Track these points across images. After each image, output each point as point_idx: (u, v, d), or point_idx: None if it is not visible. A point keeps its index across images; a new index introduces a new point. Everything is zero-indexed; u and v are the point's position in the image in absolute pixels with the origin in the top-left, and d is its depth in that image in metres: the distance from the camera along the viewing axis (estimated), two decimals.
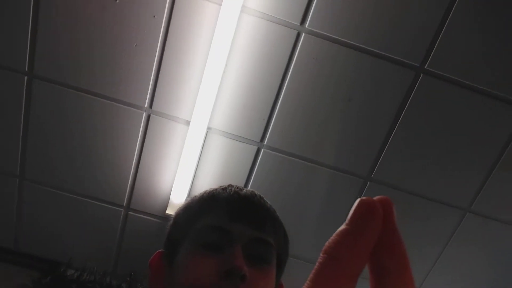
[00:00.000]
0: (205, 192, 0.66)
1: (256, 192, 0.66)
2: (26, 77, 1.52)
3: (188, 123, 1.57)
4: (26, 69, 1.50)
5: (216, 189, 0.66)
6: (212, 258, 0.56)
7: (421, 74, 1.48)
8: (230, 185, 0.66)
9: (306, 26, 1.41)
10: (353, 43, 1.44)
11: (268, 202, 0.66)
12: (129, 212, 1.80)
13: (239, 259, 0.54)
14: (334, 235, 0.21)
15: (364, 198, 0.22)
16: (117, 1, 1.39)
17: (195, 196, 0.68)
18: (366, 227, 0.21)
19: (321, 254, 0.21)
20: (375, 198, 0.22)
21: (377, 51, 1.45)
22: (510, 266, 1.90)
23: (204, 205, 0.64)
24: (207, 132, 1.59)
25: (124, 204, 1.78)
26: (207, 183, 1.70)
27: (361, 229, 0.21)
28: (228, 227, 0.59)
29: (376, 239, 0.21)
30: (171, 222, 0.69)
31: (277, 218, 0.66)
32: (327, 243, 0.21)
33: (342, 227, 0.21)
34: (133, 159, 1.66)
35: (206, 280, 0.54)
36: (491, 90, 1.49)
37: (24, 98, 1.55)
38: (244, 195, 0.64)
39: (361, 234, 0.21)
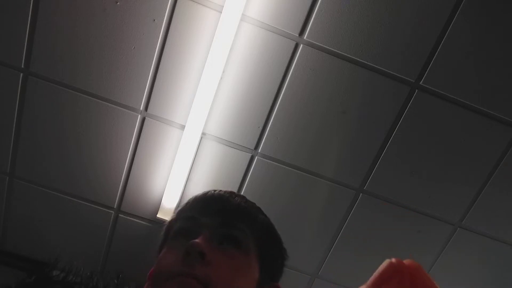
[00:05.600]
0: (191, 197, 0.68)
1: (238, 193, 0.67)
2: (21, 74, 1.51)
3: (183, 127, 1.57)
4: (22, 66, 1.49)
5: (200, 193, 0.67)
6: (180, 247, 0.56)
7: (416, 90, 1.50)
8: (215, 190, 0.67)
9: (305, 38, 1.43)
10: (350, 56, 1.46)
11: (250, 202, 0.66)
12: (120, 215, 1.79)
13: (197, 240, 0.54)
14: None
15: (393, 261, 0.20)
16: (118, 3, 1.39)
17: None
18: None
19: None
20: (406, 261, 0.20)
21: (373, 65, 1.46)
22: (501, 282, 1.91)
23: (185, 207, 0.66)
24: (201, 138, 1.59)
25: (115, 206, 1.77)
26: (200, 188, 1.69)
27: None
28: (197, 216, 0.60)
29: None
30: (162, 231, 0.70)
31: (255, 214, 0.65)
32: None
33: None
34: (126, 161, 1.65)
35: (171, 267, 0.54)
36: (485, 108, 1.52)
37: (18, 95, 1.54)
38: (219, 194, 0.64)
39: None
